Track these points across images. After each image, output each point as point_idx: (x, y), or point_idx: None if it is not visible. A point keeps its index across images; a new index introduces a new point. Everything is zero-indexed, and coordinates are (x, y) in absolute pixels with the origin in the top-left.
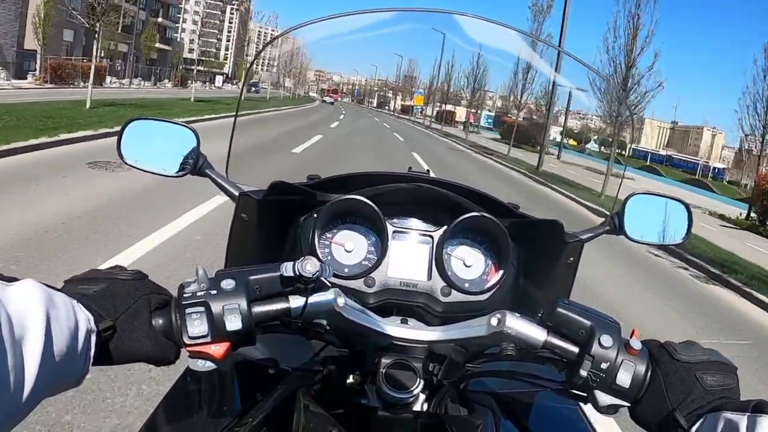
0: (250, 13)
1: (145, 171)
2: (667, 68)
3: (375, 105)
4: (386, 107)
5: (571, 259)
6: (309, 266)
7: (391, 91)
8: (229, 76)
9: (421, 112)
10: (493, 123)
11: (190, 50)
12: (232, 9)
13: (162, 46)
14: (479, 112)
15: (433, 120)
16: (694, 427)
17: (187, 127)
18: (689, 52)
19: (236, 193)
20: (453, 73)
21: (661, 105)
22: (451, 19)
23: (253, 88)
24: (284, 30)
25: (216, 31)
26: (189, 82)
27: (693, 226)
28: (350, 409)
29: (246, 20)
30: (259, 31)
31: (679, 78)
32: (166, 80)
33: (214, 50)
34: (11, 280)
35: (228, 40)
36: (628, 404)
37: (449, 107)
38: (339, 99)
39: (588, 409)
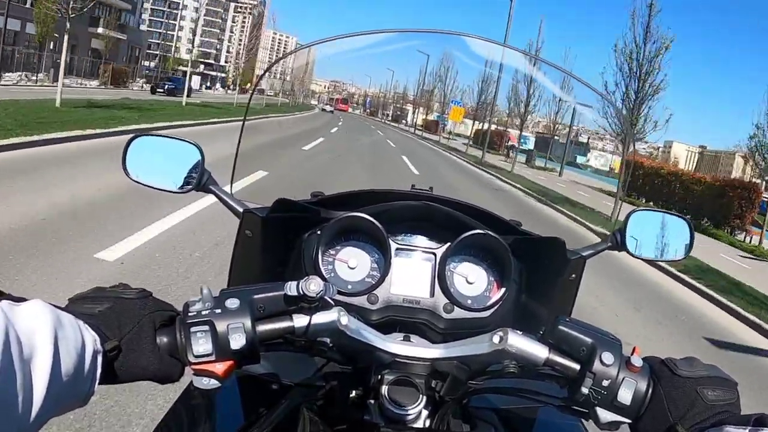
0: (263, 18)
1: (150, 187)
2: (695, 89)
3: (390, 118)
4: (404, 121)
5: (573, 275)
6: (313, 286)
7: (409, 104)
8: (235, 82)
9: (443, 129)
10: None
11: (188, 50)
12: (237, 7)
13: (112, 34)
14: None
15: (472, 144)
16: None
17: (191, 143)
18: (722, 73)
19: (240, 210)
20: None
21: (688, 127)
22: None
23: (168, 85)
24: (298, 47)
25: (217, 31)
26: (129, 81)
27: (695, 242)
28: (353, 425)
29: (258, 25)
30: (273, 37)
31: (708, 100)
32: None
33: (214, 51)
34: (19, 300)
35: (230, 41)
36: (629, 421)
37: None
38: (349, 110)
39: (591, 425)
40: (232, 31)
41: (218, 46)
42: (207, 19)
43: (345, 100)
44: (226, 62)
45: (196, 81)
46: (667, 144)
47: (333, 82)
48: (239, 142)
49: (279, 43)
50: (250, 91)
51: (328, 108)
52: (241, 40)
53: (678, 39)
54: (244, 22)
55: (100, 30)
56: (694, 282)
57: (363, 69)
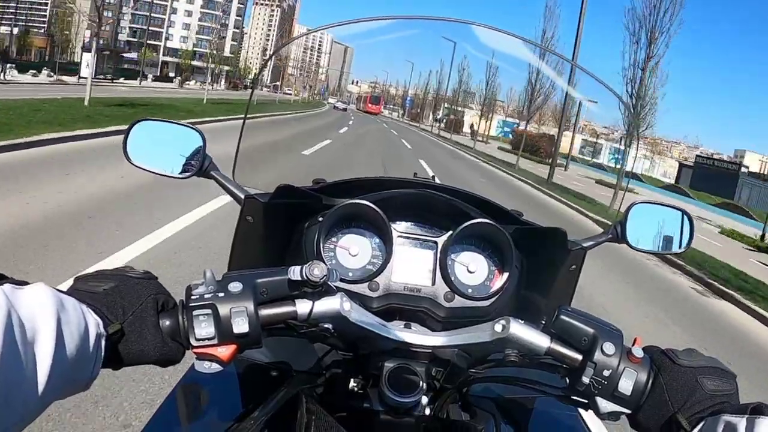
0: (295, 12)
1: (151, 172)
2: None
3: (443, 125)
4: (463, 132)
5: (573, 266)
6: (316, 270)
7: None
8: (254, 80)
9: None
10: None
11: (183, 38)
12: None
13: None
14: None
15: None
16: (696, 430)
17: (193, 128)
18: None
19: (242, 196)
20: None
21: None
22: (468, 28)
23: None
24: (302, 33)
25: (219, 14)
26: None
27: (695, 235)
28: (353, 412)
29: (290, 19)
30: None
31: None
32: None
33: (216, 40)
34: (22, 283)
35: (237, 27)
36: (629, 411)
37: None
38: (383, 112)
39: (587, 415)
40: (239, 15)
41: (222, 33)
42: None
43: (376, 98)
44: (231, 53)
45: (85, 65)
46: (739, 153)
47: (372, 84)
48: (241, 132)
49: (312, 39)
50: (252, 87)
51: (340, 105)
52: (269, 34)
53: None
54: (272, 15)
55: None
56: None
57: (406, 57)
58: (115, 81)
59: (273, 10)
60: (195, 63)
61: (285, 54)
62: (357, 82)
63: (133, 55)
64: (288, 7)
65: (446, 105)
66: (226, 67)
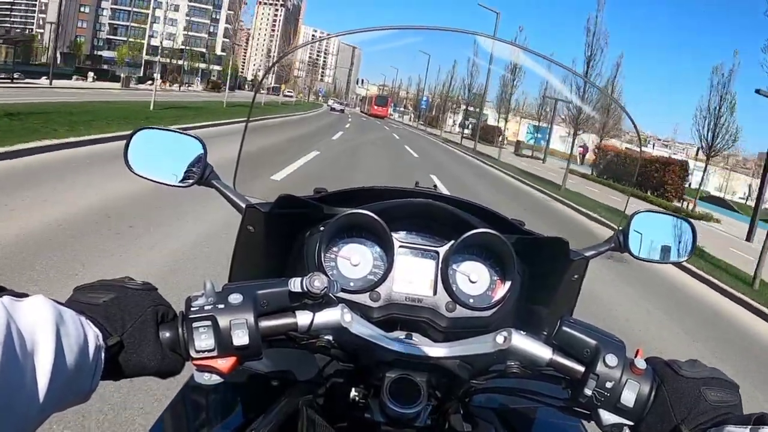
0: (300, 12)
1: (152, 180)
2: None
3: (468, 131)
4: (500, 140)
5: (576, 276)
6: (317, 282)
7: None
8: (257, 84)
9: None
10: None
11: (170, 35)
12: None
13: None
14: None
15: None
16: None
17: (194, 137)
18: None
19: (243, 205)
20: None
21: None
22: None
23: None
24: (306, 42)
25: (210, 8)
26: None
27: (697, 244)
28: (354, 423)
29: (294, 20)
30: (313, 35)
31: None
32: None
33: (206, 36)
34: (21, 295)
35: (228, 22)
36: (632, 423)
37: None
38: (390, 115)
39: (590, 427)
40: (230, 9)
41: (211, 29)
42: None
43: (383, 99)
44: (223, 51)
45: None
46: (761, 155)
47: (381, 87)
48: (243, 139)
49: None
50: (254, 90)
51: (337, 106)
52: (272, 34)
53: None
54: (276, 14)
55: None
56: None
57: (420, 48)
58: (17, 81)
59: (277, 10)
60: (161, 60)
61: (289, 59)
62: (363, 81)
63: (112, 53)
64: (293, 6)
65: (471, 107)
66: (203, 65)
